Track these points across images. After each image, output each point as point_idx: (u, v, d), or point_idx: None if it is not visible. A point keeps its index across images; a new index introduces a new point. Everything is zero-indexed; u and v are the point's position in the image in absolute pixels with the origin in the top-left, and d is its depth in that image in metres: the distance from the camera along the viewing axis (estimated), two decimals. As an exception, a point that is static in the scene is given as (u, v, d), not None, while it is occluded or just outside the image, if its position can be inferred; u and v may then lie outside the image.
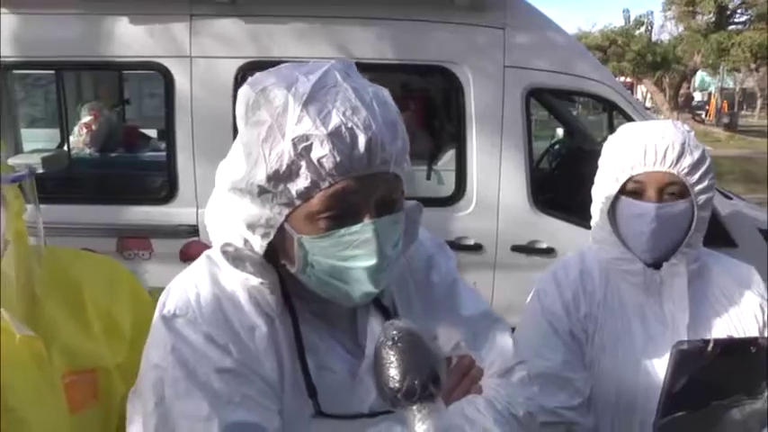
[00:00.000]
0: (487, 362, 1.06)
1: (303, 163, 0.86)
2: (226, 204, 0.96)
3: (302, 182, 0.87)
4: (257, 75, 0.93)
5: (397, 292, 1.08)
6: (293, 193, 0.88)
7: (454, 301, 1.12)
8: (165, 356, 0.90)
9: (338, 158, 0.85)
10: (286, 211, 0.90)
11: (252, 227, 0.93)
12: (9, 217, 1.03)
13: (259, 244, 0.94)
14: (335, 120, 0.85)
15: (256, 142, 0.88)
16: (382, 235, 0.89)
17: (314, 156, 0.85)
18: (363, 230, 0.88)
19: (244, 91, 0.92)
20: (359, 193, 0.88)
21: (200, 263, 1.01)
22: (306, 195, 0.88)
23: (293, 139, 0.85)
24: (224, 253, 0.94)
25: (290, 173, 0.87)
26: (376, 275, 0.90)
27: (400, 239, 0.95)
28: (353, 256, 0.89)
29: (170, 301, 0.95)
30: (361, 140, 0.85)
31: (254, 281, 0.94)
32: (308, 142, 0.85)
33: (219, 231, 0.99)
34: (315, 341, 0.98)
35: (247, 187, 0.90)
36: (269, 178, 0.87)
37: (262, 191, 0.89)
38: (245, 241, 0.95)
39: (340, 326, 1.03)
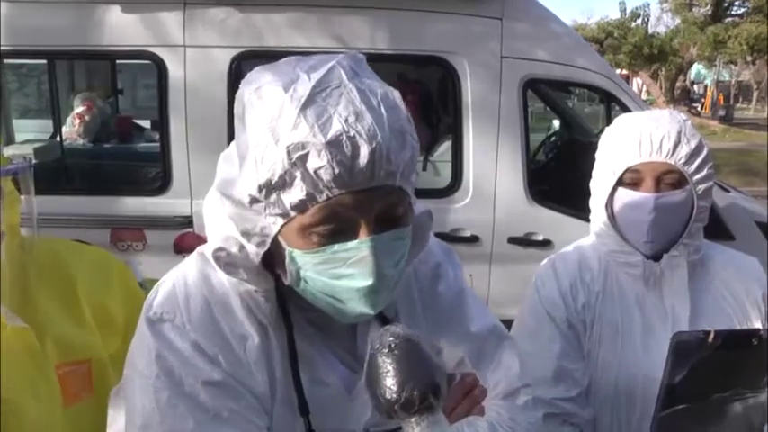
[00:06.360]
0: (492, 382, 1.00)
1: (298, 173, 0.77)
2: (222, 204, 0.88)
3: (297, 193, 0.78)
4: (256, 70, 0.85)
5: (400, 302, 1.01)
6: (287, 204, 0.80)
7: (461, 314, 1.05)
8: (150, 364, 0.85)
9: (337, 170, 0.76)
10: (281, 221, 0.82)
11: (246, 235, 0.85)
12: (5, 209, 1.02)
13: (255, 252, 0.86)
14: (336, 127, 0.76)
15: (249, 147, 0.80)
16: (380, 253, 0.81)
17: (310, 166, 0.77)
18: (359, 248, 0.80)
19: (241, 89, 0.84)
20: (357, 207, 0.80)
21: (192, 260, 0.94)
22: (301, 207, 0.80)
23: (288, 147, 0.76)
24: (216, 258, 0.87)
25: (284, 183, 0.78)
26: (372, 297, 0.83)
27: (404, 257, 0.86)
28: (347, 275, 0.82)
29: (157, 301, 0.89)
30: (364, 151, 0.77)
31: (248, 286, 0.89)
32: (305, 151, 0.76)
33: (214, 231, 0.90)
34: (311, 353, 0.93)
35: (239, 195, 0.84)
36: (260, 188, 0.80)
37: (253, 200, 0.82)
38: (242, 247, 0.87)
39: (339, 337, 0.96)
